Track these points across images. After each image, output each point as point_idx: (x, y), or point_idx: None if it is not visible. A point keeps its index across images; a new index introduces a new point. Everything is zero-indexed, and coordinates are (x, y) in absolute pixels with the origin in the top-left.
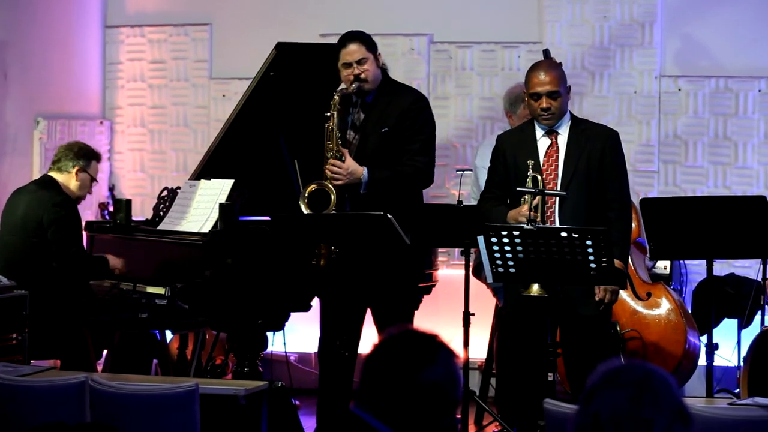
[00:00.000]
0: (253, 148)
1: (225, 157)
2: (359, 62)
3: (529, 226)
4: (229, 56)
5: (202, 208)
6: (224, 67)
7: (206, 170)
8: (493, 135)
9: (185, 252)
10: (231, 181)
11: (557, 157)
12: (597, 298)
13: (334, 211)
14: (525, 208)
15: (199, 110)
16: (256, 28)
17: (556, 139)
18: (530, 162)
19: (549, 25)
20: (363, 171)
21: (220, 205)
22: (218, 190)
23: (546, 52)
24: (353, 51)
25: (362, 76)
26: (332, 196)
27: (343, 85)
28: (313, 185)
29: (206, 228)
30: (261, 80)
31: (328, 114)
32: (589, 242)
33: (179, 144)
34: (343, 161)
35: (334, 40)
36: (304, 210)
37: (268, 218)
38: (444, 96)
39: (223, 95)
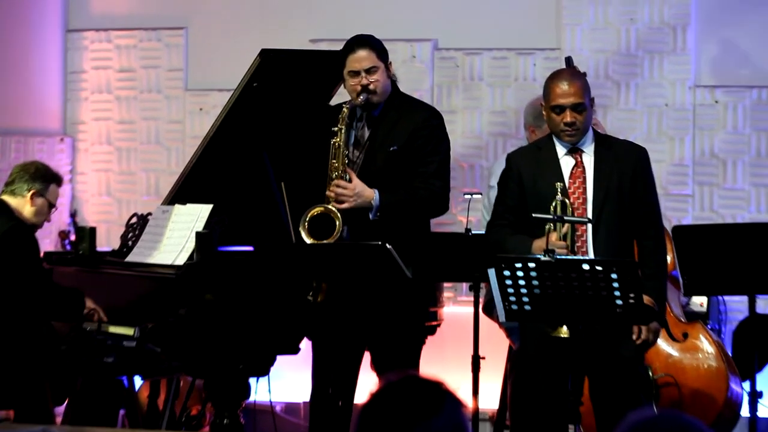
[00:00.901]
0: (234, 168)
1: (202, 178)
2: (369, 71)
3: (546, 258)
4: (207, 64)
5: (177, 237)
6: (202, 76)
7: (181, 194)
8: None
9: (157, 287)
10: (209, 207)
11: (584, 178)
12: (635, 339)
13: (339, 237)
14: (554, 237)
15: (173, 125)
16: (238, 32)
17: (580, 158)
18: (558, 185)
19: (568, 29)
20: (374, 194)
21: (197, 233)
22: (195, 216)
23: (569, 60)
24: (362, 58)
25: (371, 87)
26: (337, 222)
27: (348, 99)
28: (316, 209)
29: (181, 260)
30: (243, 92)
31: (335, 129)
32: (614, 276)
33: (150, 164)
34: (350, 182)
35: (326, 46)
36: (305, 237)
37: (251, 248)
38: (450, 109)
39: (201, 108)
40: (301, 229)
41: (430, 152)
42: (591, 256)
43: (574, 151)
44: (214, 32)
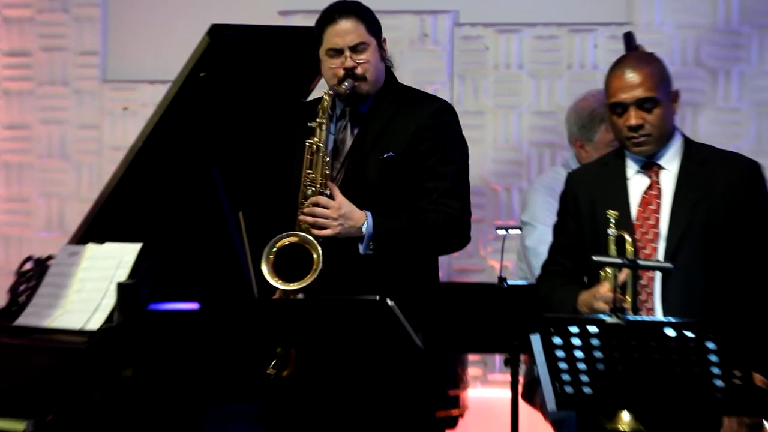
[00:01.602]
0: (171, 192)
1: (127, 207)
2: (355, 49)
3: (614, 319)
4: (134, 46)
5: (90, 290)
6: (126, 63)
7: (97, 229)
8: (555, 172)
9: (60, 362)
10: (136, 247)
11: (659, 205)
12: None
13: (316, 279)
14: (605, 287)
15: (86, 132)
16: (178, 2)
17: (657, 177)
18: (612, 213)
19: None
20: (365, 217)
21: (119, 285)
22: (115, 261)
23: (628, 37)
24: (347, 30)
25: (359, 70)
26: (315, 256)
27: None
28: (287, 238)
29: (95, 323)
30: (185, 85)
31: (313, 124)
32: (711, 344)
33: (52, 186)
34: (332, 199)
35: (300, 21)
36: (270, 278)
37: (195, 305)
38: (477, 109)
39: (125, 108)
40: (264, 266)
41: (440, 161)
42: (659, 314)
43: (650, 167)
44: (143, 1)
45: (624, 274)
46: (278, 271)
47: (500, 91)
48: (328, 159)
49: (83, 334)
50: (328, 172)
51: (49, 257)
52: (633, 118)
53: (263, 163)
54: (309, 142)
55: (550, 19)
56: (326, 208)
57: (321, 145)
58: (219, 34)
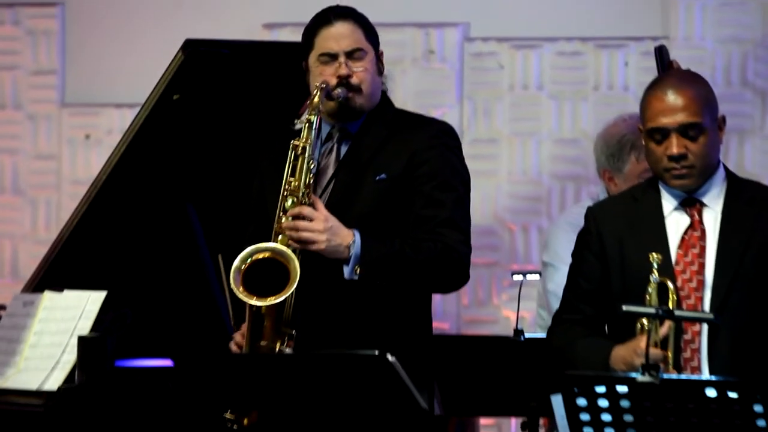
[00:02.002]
0: (141, 232)
1: (90, 249)
2: (351, 55)
3: (646, 377)
4: (97, 64)
5: (46, 345)
6: (88, 84)
7: (55, 274)
8: (581, 207)
9: (14, 428)
10: (101, 294)
11: (703, 249)
12: None
13: (291, 298)
14: (644, 342)
15: (42, 163)
16: (148, 12)
17: (699, 215)
18: (656, 257)
19: (682, 7)
20: (352, 236)
21: (80, 338)
22: (77, 311)
23: (660, 51)
24: (343, 34)
25: (354, 80)
26: (292, 273)
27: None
28: (262, 253)
29: (53, 383)
30: (156, 107)
31: (299, 123)
32: (758, 407)
33: (3, 225)
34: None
35: (287, 35)
36: (238, 292)
37: (167, 362)
38: (489, 137)
39: (87, 136)
40: (233, 278)
41: (440, 187)
42: (705, 374)
43: (690, 203)
44: (107, 11)
45: (666, 327)
46: (248, 284)
47: (516, 115)
48: (313, 165)
49: (40, 396)
50: (312, 181)
51: (2, 306)
52: (675, 146)
53: (245, 198)
54: (293, 144)
55: (574, 33)
56: (312, 218)
57: (307, 146)
58: (194, 50)
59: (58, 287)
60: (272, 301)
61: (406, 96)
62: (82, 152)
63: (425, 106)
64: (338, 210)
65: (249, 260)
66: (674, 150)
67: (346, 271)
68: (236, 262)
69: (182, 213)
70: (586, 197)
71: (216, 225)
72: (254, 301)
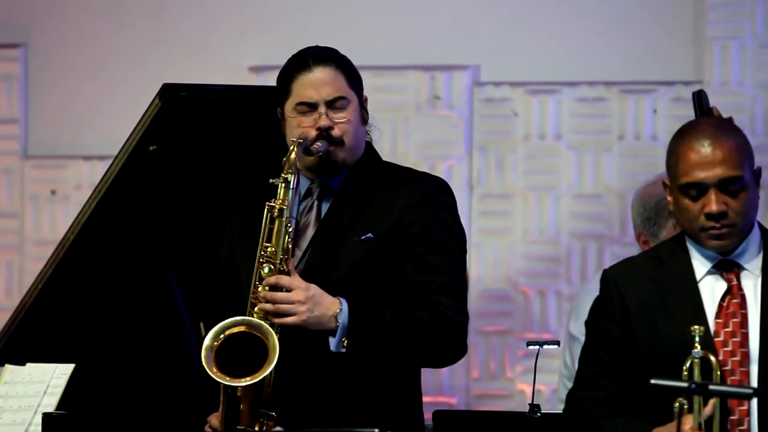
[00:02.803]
0: (114, 297)
1: (56, 316)
2: (332, 104)
3: None
4: (64, 112)
5: (7, 423)
6: (54, 134)
7: (16, 345)
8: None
9: None
10: (69, 367)
11: (745, 317)
12: None
13: (269, 377)
14: (689, 424)
15: (3, 222)
16: (121, 53)
17: (738, 280)
18: (698, 329)
19: (717, 47)
20: (339, 305)
21: (45, 416)
22: (41, 386)
23: (699, 97)
24: (323, 81)
25: (335, 132)
26: (270, 350)
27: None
28: (236, 327)
29: None
30: (130, 159)
31: (276, 181)
32: None
33: None
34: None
35: (274, 79)
36: (211, 371)
37: None
38: (502, 192)
39: (53, 192)
40: (205, 357)
41: (433, 249)
42: None
43: (727, 267)
44: (76, 52)
45: (710, 407)
46: (221, 364)
47: (532, 168)
48: (291, 228)
49: None
50: (290, 246)
51: None
52: (714, 203)
53: (230, 261)
54: (269, 205)
55: (597, 77)
56: (290, 289)
57: (284, 208)
58: (173, 95)
59: (20, 360)
60: (248, 381)
61: (409, 146)
62: (47, 209)
63: (430, 158)
64: (319, 273)
65: (222, 336)
66: (714, 207)
67: (333, 343)
68: (207, 340)
69: (160, 277)
70: (611, 260)
71: (198, 290)
72: (229, 382)
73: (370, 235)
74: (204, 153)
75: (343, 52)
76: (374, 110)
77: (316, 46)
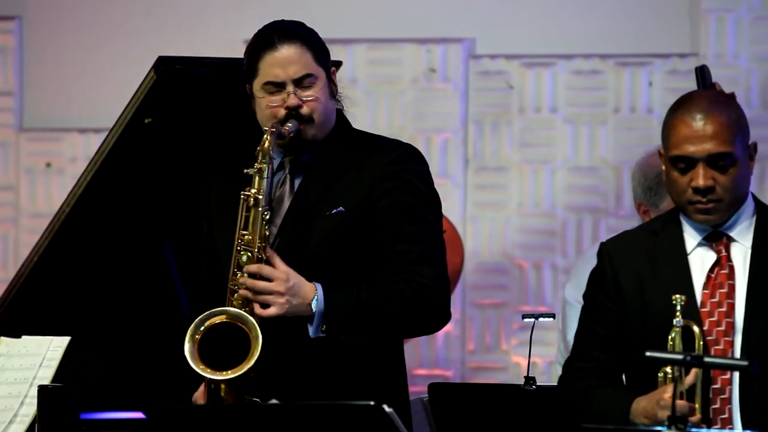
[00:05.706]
0: (110, 271)
1: (52, 289)
2: (300, 83)
3: (673, 431)
4: (59, 85)
5: (2, 396)
6: (49, 107)
7: (12, 318)
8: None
9: None
10: (64, 340)
11: (732, 288)
12: None
13: (251, 369)
14: (669, 392)
15: None
16: (115, 26)
17: (727, 251)
18: (679, 298)
19: (713, 20)
20: (315, 291)
21: (41, 389)
22: (37, 358)
23: (702, 72)
24: (290, 59)
25: (304, 110)
26: (253, 338)
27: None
28: (217, 317)
29: None
30: (126, 133)
31: (251, 171)
32: None
33: None
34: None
35: None
36: (194, 363)
37: (138, 414)
38: (498, 165)
39: (48, 164)
40: (187, 350)
41: (407, 218)
42: (737, 427)
43: (717, 238)
44: (71, 25)
45: (692, 376)
46: (204, 356)
47: (528, 141)
48: (267, 215)
49: None
50: (267, 233)
51: None
52: (702, 177)
53: (228, 234)
54: (244, 194)
55: (592, 49)
56: (269, 279)
57: (260, 197)
58: (169, 68)
59: (16, 332)
60: (232, 374)
61: (404, 119)
62: (43, 182)
63: (426, 131)
64: (293, 250)
65: (203, 327)
66: (700, 182)
67: (311, 329)
68: (189, 331)
69: (156, 250)
70: (605, 233)
71: (194, 264)
72: (212, 375)
73: (341, 208)
74: (199, 126)
75: (338, 25)
76: (370, 83)
77: (281, 21)
